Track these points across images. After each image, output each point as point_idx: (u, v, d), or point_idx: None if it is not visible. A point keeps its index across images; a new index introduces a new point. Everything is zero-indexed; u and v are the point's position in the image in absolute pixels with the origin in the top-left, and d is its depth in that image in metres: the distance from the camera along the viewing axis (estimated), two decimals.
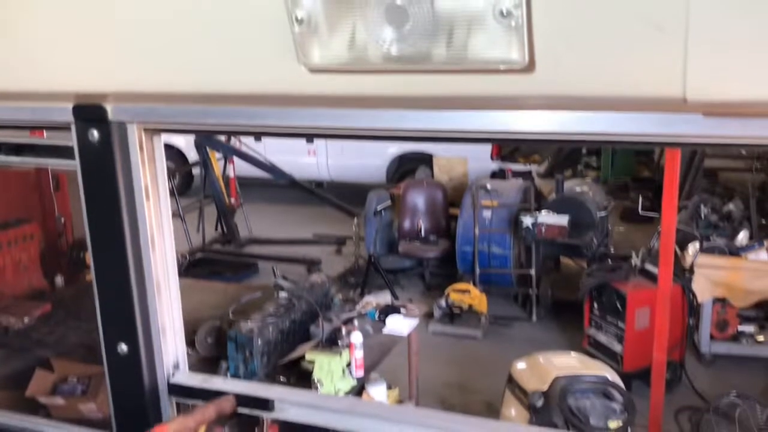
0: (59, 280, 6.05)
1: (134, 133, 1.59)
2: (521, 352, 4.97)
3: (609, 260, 6.52)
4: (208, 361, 4.34)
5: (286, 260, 8.41)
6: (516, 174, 9.48)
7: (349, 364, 4.28)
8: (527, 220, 6.98)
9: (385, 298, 5.69)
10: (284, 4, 1.24)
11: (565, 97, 1.21)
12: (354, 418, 1.70)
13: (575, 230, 7.06)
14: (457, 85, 1.26)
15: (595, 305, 6.15)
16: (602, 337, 6.07)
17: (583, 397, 4.28)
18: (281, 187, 10.24)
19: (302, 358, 4.29)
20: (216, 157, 9.25)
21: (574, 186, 7.92)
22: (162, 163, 1.69)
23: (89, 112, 1.57)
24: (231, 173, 9.64)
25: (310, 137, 9.44)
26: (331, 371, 4.15)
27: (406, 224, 8.18)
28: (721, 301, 6.05)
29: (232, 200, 9.58)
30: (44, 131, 1.79)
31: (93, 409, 4.36)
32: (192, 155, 10.67)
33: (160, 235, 1.70)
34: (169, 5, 1.38)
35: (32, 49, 1.53)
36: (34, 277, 6.02)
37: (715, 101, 1.13)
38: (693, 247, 6.24)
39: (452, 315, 7.04)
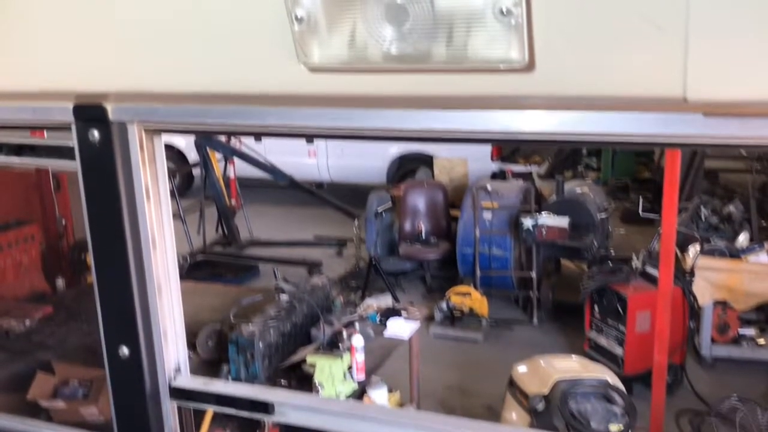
0: (60, 281, 6.05)
1: (135, 133, 1.59)
2: (522, 355, 4.97)
3: (609, 262, 6.51)
4: (209, 364, 4.34)
5: (287, 262, 8.41)
6: (516, 175, 9.48)
7: (350, 368, 4.28)
8: (528, 222, 6.98)
9: (386, 300, 5.69)
10: (284, 3, 1.24)
11: (565, 97, 1.21)
12: (355, 422, 1.69)
13: (575, 232, 7.06)
14: (457, 85, 1.26)
15: (596, 308, 6.15)
16: (603, 340, 6.06)
17: (584, 400, 4.27)
18: (281, 188, 10.25)
19: (303, 361, 4.29)
20: (216, 158, 9.25)
21: (575, 187, 7.92)
22: (162, 164, 1.68)
23: (89, 112, 1.56)
24: (231, 174, 9.64)
25: (310, 137, 9.45)
26: (332, 374, 4.15)
27: (407, 226, 8.18)
28: (721, 304, 6.05)
29: (233, 201, 9.58)
30: (45, 131, 1.78)
31: (94, 413, 4.35)
32: (192, 156, 10.68)
33: (160, 236, 1.70)
34: (169, 5, 1.38)
35: (32, 49, 1.53)
36: (35, 279, 6.02)
37: (715, 101, 1.13)
38: (693, 249, 6.24)
39: (453, 318, 7.05)
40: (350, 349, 4.31)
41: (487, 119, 1.29)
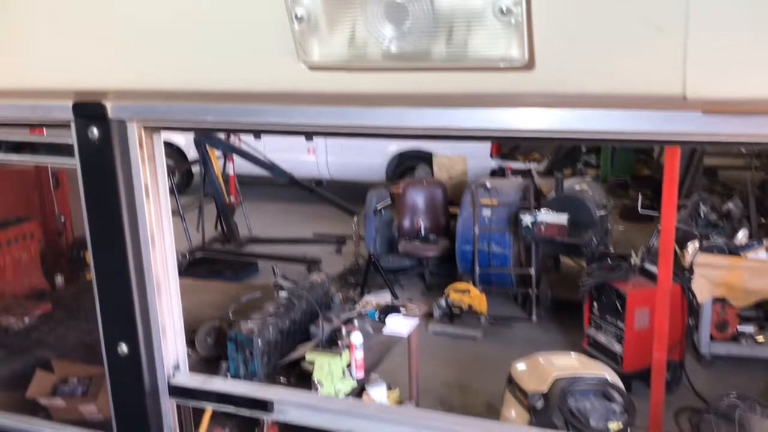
0: (59, 279, 6.05)
1: (134, 131, 1.59)
2: (521, 352, 4.97)
3: (608, 259, 6.51)
4: (208, 361, 4.34)
5: (286, 259, 8.41)
6: (516, 172, 9.48)
7: (349, 365, 4.28)
8: (527, 219, 6.98)
9: (385, 297, 5.70)
10: (284, 2, 1.24)
11: (564, 95, 1.21)
12: (354, 420, 1.69)
13: (575, 229, 7.06)
14: (457, 83, 1.26)
15: (595, 305, 6.15)
16: (602, 337, 6.07)
17: (583, 398, 4.28)
18: (281, 186, 10.25)
19: (302, 358, 4.29)
20: (215, 155, 9.25)
21: (574, 184, 7.91)
22: (162, 161, 1.68)
23: (89, 109, 1.56)
24: (231, 171, 9.64)
25: (309, 135, 9.44)
26: (331, 372, 4.15)
27: (406, 223, 8.18)
28: (720, 301, 6.05)
29: (232, 198, 9.58)
30: (44, 129, 1.78)
31: (93, 411, 4.35)
32: (192, 153, 10.67)
33: (160, 234, 1.70)
34: (169, 3, 1.38)
35: (32, 47, 1.53)
36: (35, 276, 6.02)
37: (714, 99, 1.13)
38: (692, 246, 6.24)
39: (452, 315, 7.05)
40: (349, 346, 4.31)
41: (487, 117, 1.29)
